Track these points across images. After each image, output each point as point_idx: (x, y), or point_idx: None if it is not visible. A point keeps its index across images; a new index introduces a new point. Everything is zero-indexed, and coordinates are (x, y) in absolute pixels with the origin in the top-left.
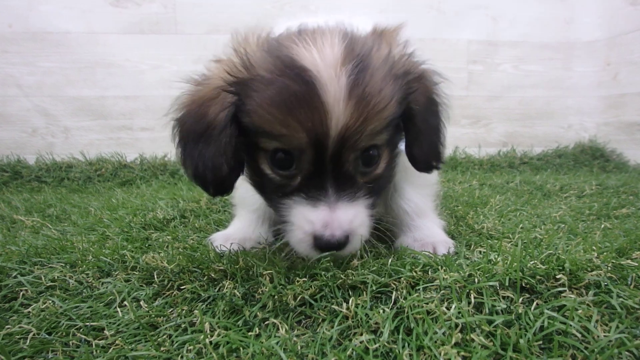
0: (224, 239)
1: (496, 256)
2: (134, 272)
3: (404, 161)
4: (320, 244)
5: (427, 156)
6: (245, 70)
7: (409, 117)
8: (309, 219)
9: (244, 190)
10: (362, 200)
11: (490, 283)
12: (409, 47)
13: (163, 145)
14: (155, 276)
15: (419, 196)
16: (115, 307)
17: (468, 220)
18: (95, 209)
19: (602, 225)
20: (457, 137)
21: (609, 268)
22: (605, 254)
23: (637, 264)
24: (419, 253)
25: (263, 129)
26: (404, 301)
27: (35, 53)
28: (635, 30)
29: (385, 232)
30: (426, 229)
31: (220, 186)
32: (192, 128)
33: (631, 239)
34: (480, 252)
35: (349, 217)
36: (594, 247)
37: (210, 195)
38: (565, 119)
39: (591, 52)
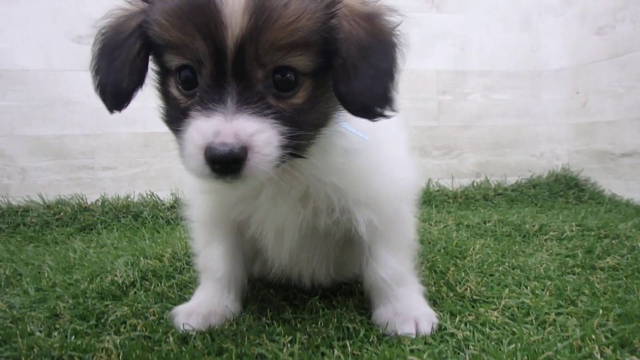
0: (187, 315)
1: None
2: None
3: (375, 222)
4: (211, 155)
5: (365, 98)
6: None
7: (333, 47)
8: (200, 130)
9: (205, 254)
10: (272, 120)
11: None
12: None
13: (126, 185)
14: None
15: (397, 261)
16: None
17: (449, 277)
18: (50, 269)
19: (590, 281)
20: (429, 169)
21: None
22: (605, 346)
23: None
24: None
25: (163, 38)
26: None
27: None
28: (601, 60)
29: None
30: (407, 299)
31: (117, 100)
32: (106, 42)
33: (630, 322)
34: (466, 324)
35: (248, 128)
36: (592, 336)
37: (108, 110)
38: (536, 147)
39: (558, 80)
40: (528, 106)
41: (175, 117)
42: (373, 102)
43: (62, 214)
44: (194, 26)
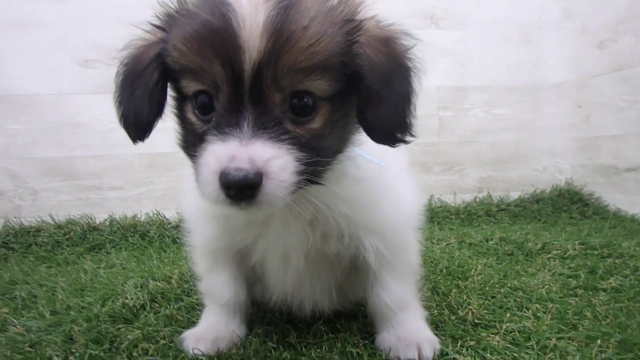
0: (195, 340)
1: None
2: None
3: (382, 250)
4: (226, 180)
5: (389, 124)
6: (177, 3)
7: (358, 74)
8: (215, 154)
9: (208, 280)
10: (288, 145)
11: None
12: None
13: (132, 205)
14: None
15: (401, 287)
16: None
17: (451, 300)
18: (63, 291)
19: (592, 304)
20: (430, 185)
21: None
22: None
23: None
24: None
25: (181, 63)
26: None
27: (2, 115)
28: (604, 74)
29: None
30: (409, 324)
31: (138, 131)
32: (128, 73)
33: (630, 350)
34: (467, 348)
35: (264, 154)
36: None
37: (131, 140)
38: (539, 162)
39: (559, 94)
40: (529, 121)
41: (192, 142)
42: (395, 128)
43: (72, 233)
44: (212, 50)
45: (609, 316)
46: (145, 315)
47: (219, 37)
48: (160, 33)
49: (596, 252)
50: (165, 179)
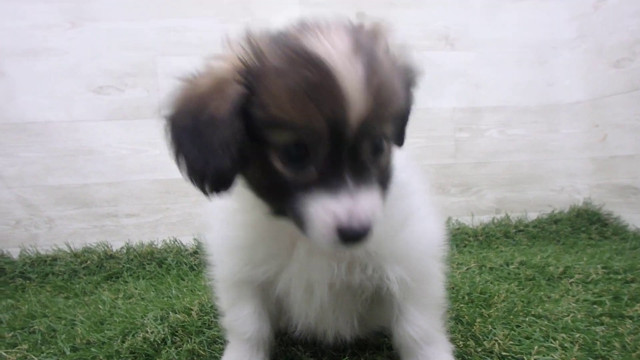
0: None
1: None
2: None
3: (407, 280)
4: (347, 235)
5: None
6: (257, 60)
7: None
8: (331, 211)
9: (231, 315)
10: (377, 189)
11: None
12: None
13: (149, 232)
14: None
15: (426, 320)
16: None
17: (475, 330)
18: (82, 324)
19: (619, 333)
20: (447, 207)
21: None
22: None
23: None
24: None
25: (280, 120)
26: None
27: (16, 143)
28: (620, 93)
29: None
30: (436, 359)
31: (221, 182)
32: (190, 124)
33: None
34: None
35: (372, 205)
36: None
37: (204, 194)
38: (555, 182)
39: (575, 114)
40: (545, 141)
41: (274, 189)
42: (396, 142)
43: (88, 262)
44: (316, 106)
45: (638, 347)
46: (167, 351)
47: (323, 92)
48: (239, 88)
49: (619, 277)
50: (181, 205)
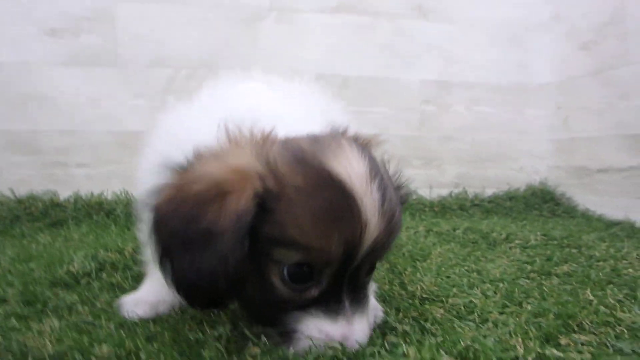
0: (134, 303)
1: (407, 349)
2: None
3: None
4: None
5: None
6: (273, 178)
7: None
8: (328, 334)
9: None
10: (368, 313)
11: None
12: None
13: (100, 183)
14: None
15: None
16: None
17: (404, 278)
18: (8, 258)
19: (541, 284)
20: (408, 178)
21: None
22: (530, 340)
23: (561, 355)
24: None
25: (295, 240)
26: None
27: None
28: (584, 75)
29: None
30: None
31: (212, 301)
32: (180, 229)
33: (562, 320)
34: (409, 318)
35: (365, 331)
36: (523, 326)
37: (193, 309)
38: (517, 162)
39: (542, 96)
40: (511, 121)
41: (268, 304)
42: None
43: (32, 208)
44: (337, 229)
45: (554, 295)
46: (88, 282)
47: (345, 216)
48: (248, 202)
49: (556, 242)
50: (137, 158)
